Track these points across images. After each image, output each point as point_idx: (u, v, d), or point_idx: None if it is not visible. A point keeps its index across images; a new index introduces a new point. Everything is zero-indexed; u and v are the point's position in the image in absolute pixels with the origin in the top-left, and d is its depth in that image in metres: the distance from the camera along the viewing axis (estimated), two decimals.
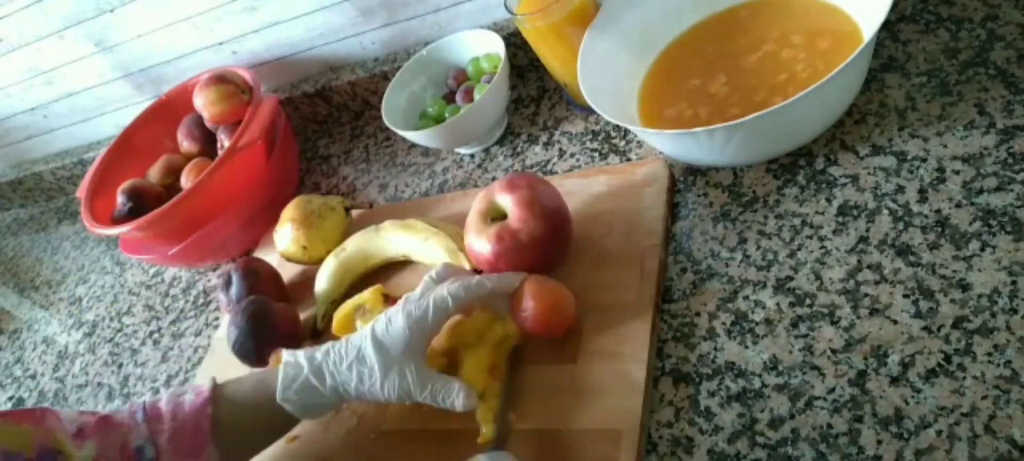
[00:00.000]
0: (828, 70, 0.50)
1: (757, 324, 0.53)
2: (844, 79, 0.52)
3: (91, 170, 1.00)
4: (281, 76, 1.04)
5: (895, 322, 0.48)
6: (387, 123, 0.81)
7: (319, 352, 0.58)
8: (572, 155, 0.76)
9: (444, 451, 0.57)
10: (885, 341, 0.48)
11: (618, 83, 0.68)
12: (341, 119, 1.04)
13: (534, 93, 0.85)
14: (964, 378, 0.44)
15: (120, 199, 0.92)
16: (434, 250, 0.69)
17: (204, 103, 0.93)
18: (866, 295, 0.50)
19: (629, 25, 0.70)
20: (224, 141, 0.94)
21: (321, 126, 1.06)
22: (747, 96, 0.62)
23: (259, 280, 0.77)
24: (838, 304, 0.51)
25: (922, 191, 0.53)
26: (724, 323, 0.54)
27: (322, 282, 0.75)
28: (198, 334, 0.89)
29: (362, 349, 0.56)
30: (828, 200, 0.56)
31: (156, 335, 0.94)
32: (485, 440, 0.54)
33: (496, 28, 0.84)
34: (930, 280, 0.49)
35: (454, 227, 0.70)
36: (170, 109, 1.03)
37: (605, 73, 0.67)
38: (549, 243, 0.60)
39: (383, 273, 0.75)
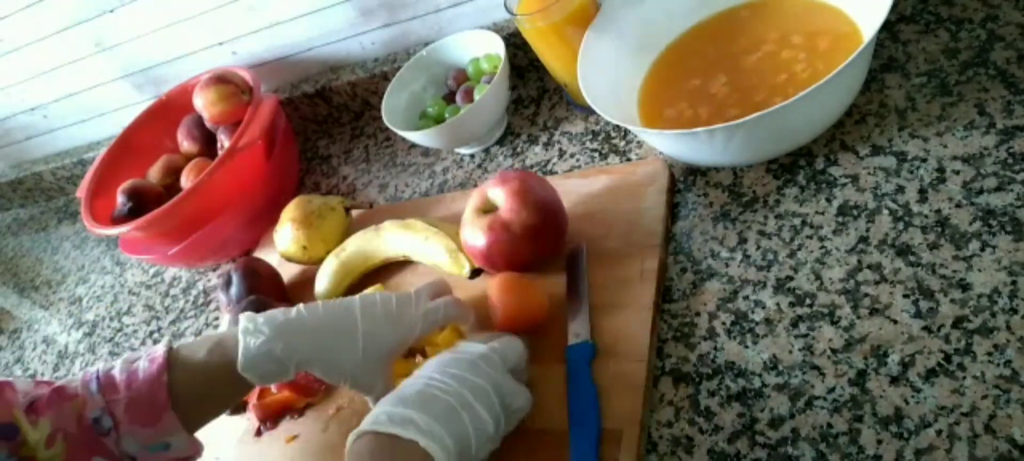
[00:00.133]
0: (828, 70, 0.50)
1: (757, 324, 0.53)
2: (844, 79, 0.52)
3: (91, 170, 1.00)
4: (281, 76, 1.04)
5: (895, 322, 0.48)
6: (387, 123, 0.81)
7: (280, 313, 0.57)
8: (572, 155, 0.76)
9: None
10: (885, 341, 0.48)
11: (618, 83, 0.68)
12: (341, 119, 1.04)
13: (534, 93, 0.85)
14: (964, 378, 0.44)
15: (120, 199, 0.92)
16: (434, 250, 0.69)
17: (204, 103, 0.93)
18: (866, 295, 0.50)
19: (629, 25, 0.70)
20: (224, 141, 0.94)
21: (321, 126, 1.06)
22: (747, 96, 0.62)
23: (259, 280, 0.77)
24: (838, 304, 0.51)
25: (922, 191, 0.53)
26: (724, 323, 0.54)
27: (322, 282, 0.75)
28: (198, 334, 0.89)
29: (350, 313, 0.56)
30: (828, 200, 0.56)
31: (156, 335, 0.94)
32: None
33: (496, 28, 0.84)
34: (930, 280, 0.49)
35: (454, 227, 0.70)
36: (170, 109, 1.03)
37: (605, 73, 0.67)
38: (541, 233, 0.60)
39: (383, 273, 0.75)
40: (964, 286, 0.47)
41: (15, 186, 1.42)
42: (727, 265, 0.57)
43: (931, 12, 0.63)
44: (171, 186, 0.97)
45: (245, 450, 0.69)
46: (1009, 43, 0.57)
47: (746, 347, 0.52)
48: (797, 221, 0.57)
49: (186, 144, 1.01)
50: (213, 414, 0.59)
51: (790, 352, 0.50)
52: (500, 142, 0.83)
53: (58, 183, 1.38)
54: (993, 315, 0.45)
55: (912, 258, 0.50)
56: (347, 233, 0.78)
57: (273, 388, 0.67)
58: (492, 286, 0.60)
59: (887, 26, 0.64)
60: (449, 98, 0.86)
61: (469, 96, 0.81)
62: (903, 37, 0.62)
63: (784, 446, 0.47)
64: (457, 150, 0.85)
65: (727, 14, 0.70)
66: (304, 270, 0.82)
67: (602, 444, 0.51)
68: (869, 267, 0.51)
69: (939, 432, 0.43)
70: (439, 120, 0.82)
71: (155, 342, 0.93)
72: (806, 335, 0.51)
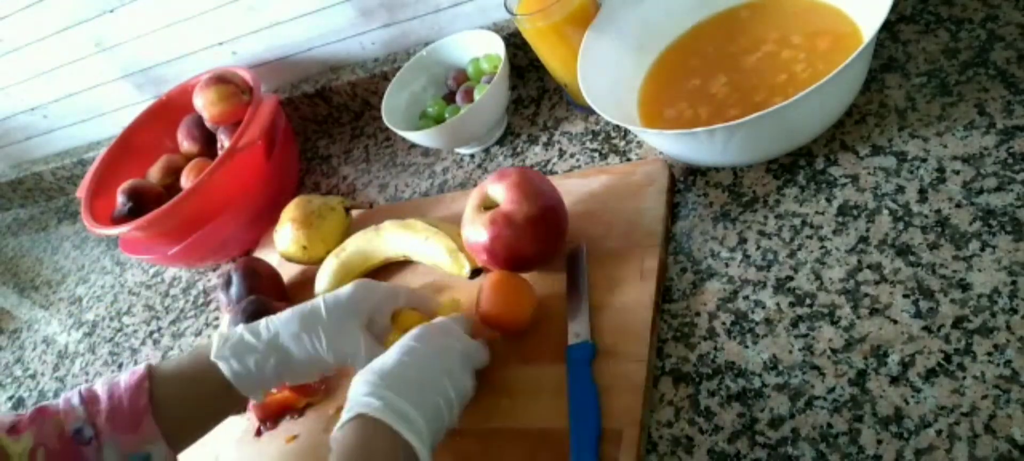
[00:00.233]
0: (828, 70, 0.50)
1: (757, 324, 0.53)
2: (844, 79, 0.52)
3: (91, 170, 1.00)
4: (281, 76, 1.04)
5: (895, 322, 0.48)
6: (387, 123, 0.81)
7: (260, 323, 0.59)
8: (572, 155, 0.76)
9: (442, 449, 0.58)
10: (885, 341, 0.48)
11: (618, 83, 0.68)
12: (341, 119, 1.04)
13: (534, 93, 0.85)
14: (964, 378, 0.44)
15: (120, 199, 0.92)
16: (434, 250, 0.69)
17: (204, 103, 0.93)
18: (866, 295, 0.50)
19: (629, 25, 0.70)
20: (224, 141, 0.94)
21: (321, 126, 1.06)
22: (747, 96, 0.62)
23: (259, 280, 0.77)
24: (838, 304, 0.51)
25: (922, 191, 0.53)
26: (724, 323, 0.54)
27: (322, 282, 0.75)
28: (198, 334, 0.89)
29: (313, 307, 0.58)
30: (828, 200, 0.56)
31: (156, 335, 0.94)
32: None
33: (496, 28, 0.84)
34: (930, 280, 0.49)
35: (454, 227, 0.70)
36: (170, 109, 1.03)
37: (605, 73, 0.67)
38: (542, 224, 0.60)
39: (383, 273, 0.75)
40: (964, 286, 0.47)
41: (15, 186, 1.42)
42: (727, 265, 0.57)
43: (931, 12, 0.63)
44: (171, 186, 0.97)
45: (245, 450, 0.69)
46: (1009, 43, 0.57)
47: (746, 347, 0.52)
48: (797, 221, 0.57)
49: (186, 144, 1.01)
50: (199, 427, 0.59)
51: (790, 352, 0.50)
52: (500, 142, 0.83)
53: (58, 183, 1.38)
54: (993, 315, 0.46)
55: (912, 258, 0.50)
56: (347, 233, 0.78)
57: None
58: (483, 284, 0.60)
59: (887, 26, 0.64)
60: (449, 98, 0.86)
61: (469, 96, 0.81)
62: (903, 37, 0.62)
63: (784, 446, 0.47)
64: (457, 150, 0.85)
65: (727, 14, 0.70)
66: (304, 270, 0.82)
67: (602, 444, 0.51)
68: (869, 267, 0.51)
69: (939, 432, 0.43)
70: (439, 120, 0.82)
71: (155, 342, 0.93)
72: (806, 335, 0.51)
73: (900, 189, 0.54)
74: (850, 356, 0.48)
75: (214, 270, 0.97)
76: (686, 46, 0.70)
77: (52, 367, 1.03)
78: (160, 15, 1.00)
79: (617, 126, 0.74)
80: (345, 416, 0.48)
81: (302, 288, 0.80)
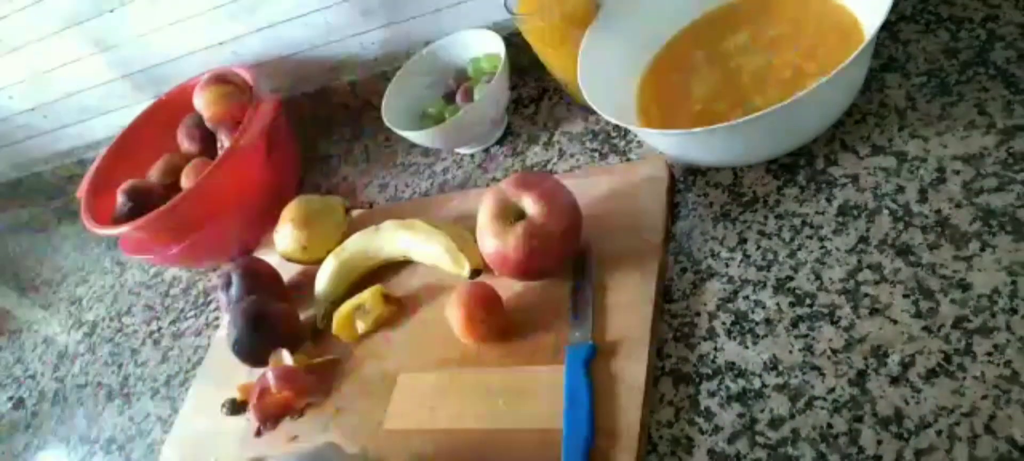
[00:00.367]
0: (828, 70, 0.50)
1: (757, 324, 0.53)
2: (844, 79, 0.52)
3: (91, 170, 1.00)
4: (281, 76, 1.04)
5: (895, 322, 0.48)
6: (387, 123, 0.81)
7: None
8: (572, 155, 0.76)
9: (442, 449, 0.58)
10: (885, 341, 0.48)
11: (618, 83, 0.68)
12: (341, 119, 1.04)
13: (534, 93, 0.85)
14: (964, 378, 0.44)
15: (120, 199, 0.92)
16: (434, 250, 0.69)
17: (204, 103, 0.93)
18: (866, 295, 0.50)
19: (629, 25, 0.70)
20: (224, 141, 0.94)
21: (321, 126, 1.06)
22: (746, 96, 0.62)
23: (259, 280, 0.77)
24: (838, 304, 0.51)
25: (922, 191, 0.53)
26: (724, 323, 0.54)
27: (322, 282, 0.75)
28: (198, 334, 0.89)
29: None
30: (828, 200, 0.56)
31: (156, 335, 0.94)
32: None
33: (496, 28, 0.84)
34: (930, 280, 0.49)
35: (455, 227, 0.70)
36: (170, 109, 1.03)
37: (605, 73, 0.67)
38: (571, 236, 0.61)
39: (383, 273, 0.75)
40: (964, 286, 0.47)
41: (15, 186, 1.42)
42: (727, 265, 0.57)
43: (931, 12, 0.63)
44: (171, 186, 0.97)
45: (245, 450, 0.69)
46: (1009, 43, 0.57)
47: (746, 347, 0.52)
48: (797, 221, 0.57)
49: (186, 144, 1.01)
50: None
51: (790, 352, 0.50)
52: (500, 142, 0.83)
53: (58, 183, 1.38)
54: (993, 315, 0.45)
55: (912, 258, 0.50)
56: (347, 233, 0.78)
57: (273, 387, 0.67)
58: (462, 292, 0.61)
59: (887, 26, 0.64)
60: (449, 98, 0.86)
61: (469, 96, 0.81)
62: (903, 37, 0.62)
63: (784, 446, 0.47)
64: (457, 150, 0.85)
65: (727, 13, 0.70)
66: (304, 270, 0.82)
67: (599, 445, 0.51)
68: (869, 267, 0.51)
69: (939, 432, 0.43)
70: (439, 120, 0.82)
71: (155, 343, 0.93)
72: (806, 335, 0.51)
73: (900, 189, 0.54)
74: (850, 356, 0.48)
75: (214, 270, 0.97)
76: (686, 45, 0.70)
77: (52, 367, 1.03)
78: (160, 15, 1.00)
79: (617, 126, 0.74)
80: None
81: (302, 288, 0.80)
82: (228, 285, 0.77)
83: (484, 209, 0.62)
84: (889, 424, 0.45)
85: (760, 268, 0.56)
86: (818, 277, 0.53)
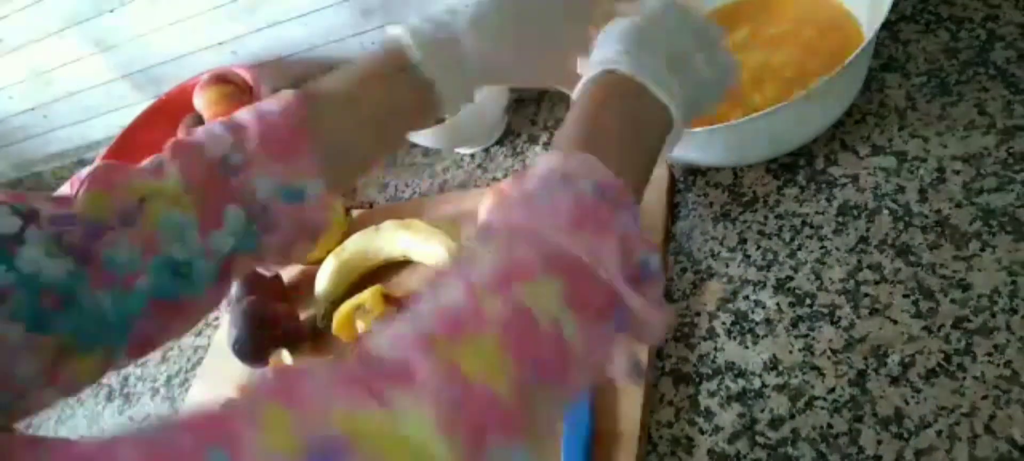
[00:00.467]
0: (828, 70, 0.50)
1: (757, 324, 0.53)
2: (844, 79, 0.52)
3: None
4: (281, 76, 1.04)
5: (895, 322, 0.48)
6: None
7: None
8: None
9: None
10: (885, 341, 0.48)
11: None
12: None
13: (534, 93, 0.85)
14: (964, 378, 0.44)
15: None
16: (434, 249, 0.69)
17: (204, 103, 0.93)
18: (866, 295, 0.50)
19: None
20: None
21: None
22: (746, 96, 0.62)
23: (259, 280, 0.77)
24: (838, 304, 0.51)
25: (922, 191, 0.53)
26: (724, 323, 0.54)
27: (322, 282, 0.75)
28: (198, 334, 0.89)
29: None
30: (828, 200, 0.56)
31: None
32: None
33: None
34: (930, 280, 0.49)
35: (455, 226, 0.70)
36: (170, 109, 1.03)
37: None
38: None
39: (383, 273, 0.75)
40: (964, 286, 0.47)
41: (15, 186, 1.42)
42: (727, 265, 0.57)
43: (931, 12, 0.63)
44: None
45: None
46: (1009, 43, 0.57)
47: (746, 347, 0.52)
48: (797, 221, 0.57)
49: None
50: (361, 163, 0.51)
51: (790, 352, 0.50)
52: (500, 142, 0.83)
53: (58, 183, 1.38)
54: (993, 315, 0.45)
55: (912, 258, 0.50)
56: (347, 233, 0.78)
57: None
58: None
59: (887, 25, 0.64)
60: None
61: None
62: (903, 37, 0.62)
63: (784, 446, 0.47)
64: (457, 150, 0.85)
65: (726, 13, 0.70)
66: (304, 270, 0.82)
67: (599, 445, 0.51)
68: (869, 267, 0.51)
69: (939, 432, 0.43)
70: (439, 120, 0.82)
71: None
72: (806, 335, 0.50)
73: (900, 189, 0.54)
74: (850, 356, 0.48)
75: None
76: None
77: None
78: (160, 15, 1.00)
79: None
80: (590, 72, 0.40)
81: (302, 288, 0.80)
82: None
83: (484, 209, 0.62)
84: (889, 424, 0.45)
85: (760, 268, 0.56)
86: (818, 277, 0.53)
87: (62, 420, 0.93)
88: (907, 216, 0.52)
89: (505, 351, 0.29)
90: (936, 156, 0.54)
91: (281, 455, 0.25)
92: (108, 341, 0.40)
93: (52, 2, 1.03)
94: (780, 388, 0.49)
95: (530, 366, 0.30)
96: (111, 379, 0.93)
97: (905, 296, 0.49)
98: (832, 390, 0.47)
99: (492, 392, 0.29)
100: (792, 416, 0.48)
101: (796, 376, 0.49)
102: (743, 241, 0.58)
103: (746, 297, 0.55)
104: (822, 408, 0.47)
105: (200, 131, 0.46)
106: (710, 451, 0.49)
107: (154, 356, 0.91)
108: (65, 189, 0.42)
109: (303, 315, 0.76)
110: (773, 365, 0.50)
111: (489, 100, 0.76)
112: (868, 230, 0.53)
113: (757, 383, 0.50)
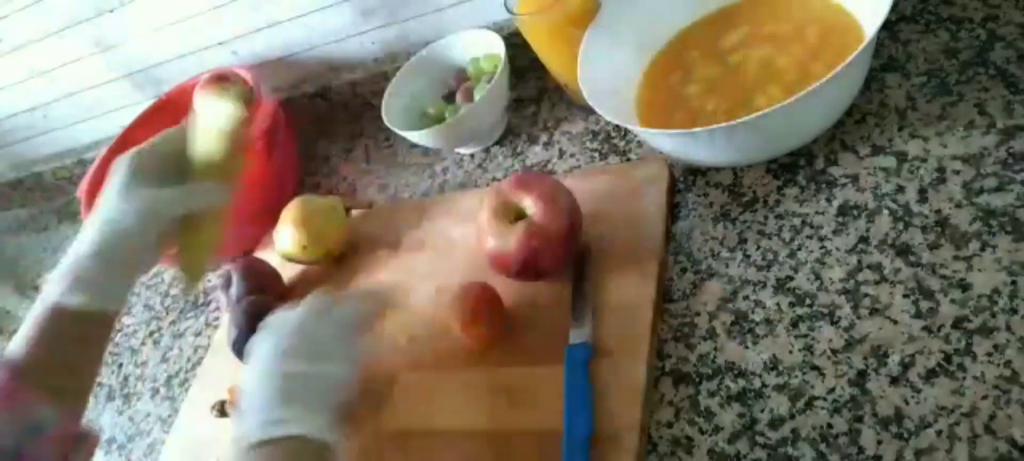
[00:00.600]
0: (828, 70, 0.50)
1: (757, 324, 0.53)
2: (844, 79, 0.52)
3: (91, 170, 1.00)
4: (281, 76, 1.04)
5: (895, 322, 0.48)
6: (387, 123, 0.81)
7: None
8: (572, 155, 0.76)
9: (442, 450, 0.58)
10: (885, 341, 0.48)
11: (618, 83, 0.68)
12: (341, 119, 1.04)
13: (534, 93, 0.85)
14: (964, 378, 0.44)
15: None
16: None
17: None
18: (866, 295, 0.50)
19: (629, 25, 0.70)
20: None
21: (321, 126, 1.06)
22: (746, 96, 0.62)
23: (259, 280, 0.77)
24: (838, 304, 0.51)
25: (922, 191, 0.53)
26: (724, 323, 0.54)
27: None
28: (198, 334, 0.89)
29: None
30: (828, 200, 0.56)
31: (156, 335, 0.94)
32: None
33: (496, 28, 0.84)
34: (930, 280, 0.49)
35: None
36: (170, 109, 1.03)
37: (605, 73, 0.67)
38: (571, 238, 0.61)
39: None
40: (964, 286, 0.47)
41: (15, 186, 1.42)
42: (727, 265, 0.57)
43: (931, 12, 0.63)
44: None
45: None
46: (1009, 43, 0.57)
47: (746, 347, 0.52)
48: (797, 221, 0.57)
49: None
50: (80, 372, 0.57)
51: (790, 352, 0.50)
52: (500, 142, 0.83)
53: (58, 183, 1.38)
54: (993, 315, 0.45)
55: (912, 258, 0.50)
56: (347, 233, 0.78)
57: None
58: (462, 292, 0.61)
59: (887, 25, 0.64)
60: (449, 98, 0.86)
61: (469, 96, 0.81)
62: (903, 37, 0.62)
63: (784, 446, 0.47)
64: (457, 150, 0.85)
65: (726, 13, 0.70)
66: (304, 270, 0.82)
67: (599, 445, 0.51)
68: (869, 267, 0.51)
69: (939, 432, 0.43)
70: (439, 120, 0.82)
71: (155, 342, 0.93)
72: (806, 335, 0.51)
73: (900, 189, 0.54)
74: (850, 356, 0.48)
75: (214, 270, 0.97)
76: (686, 44, 0.70)
77: None
78: (160, 15, 1.00)
79: (617, 126, 0.74)
80: (248, 441, 0.47)
81: (302, 288, 0.80)
82: (228, 285, 0.77)
83: (484, 209, 0.62)
84: (889, 424, 0.45)
85: (760, 268, 0.56)
86: (818, 277, 0.53)
87: None
88: (907, 216, 0.52)
89: None
90: (936, 156, 0.54)
91: None
92: None
93: (52, 2, 1.03)
94: (780, 388, 0.49)
95: None
96: (111, 379, 0.93)
97: (905, 296, 0.49)
98: (832, 390, 0.47)
99: None
100: (792, 416, 0.48)
101: (796, 376, 0.49)
102: (743, 241, 0.58)
103: (746, 297, 0.55)
104: (822, 408, 0.47)
105: None
106: (710, 451, 0.49)
107: (154, 356, 0.91)
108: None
109: None
110: (773, 365, 0.50)
111: (489, 100, 0.76)
112: (868, 230, 0.53)
113: (757, 383, 0.50)
